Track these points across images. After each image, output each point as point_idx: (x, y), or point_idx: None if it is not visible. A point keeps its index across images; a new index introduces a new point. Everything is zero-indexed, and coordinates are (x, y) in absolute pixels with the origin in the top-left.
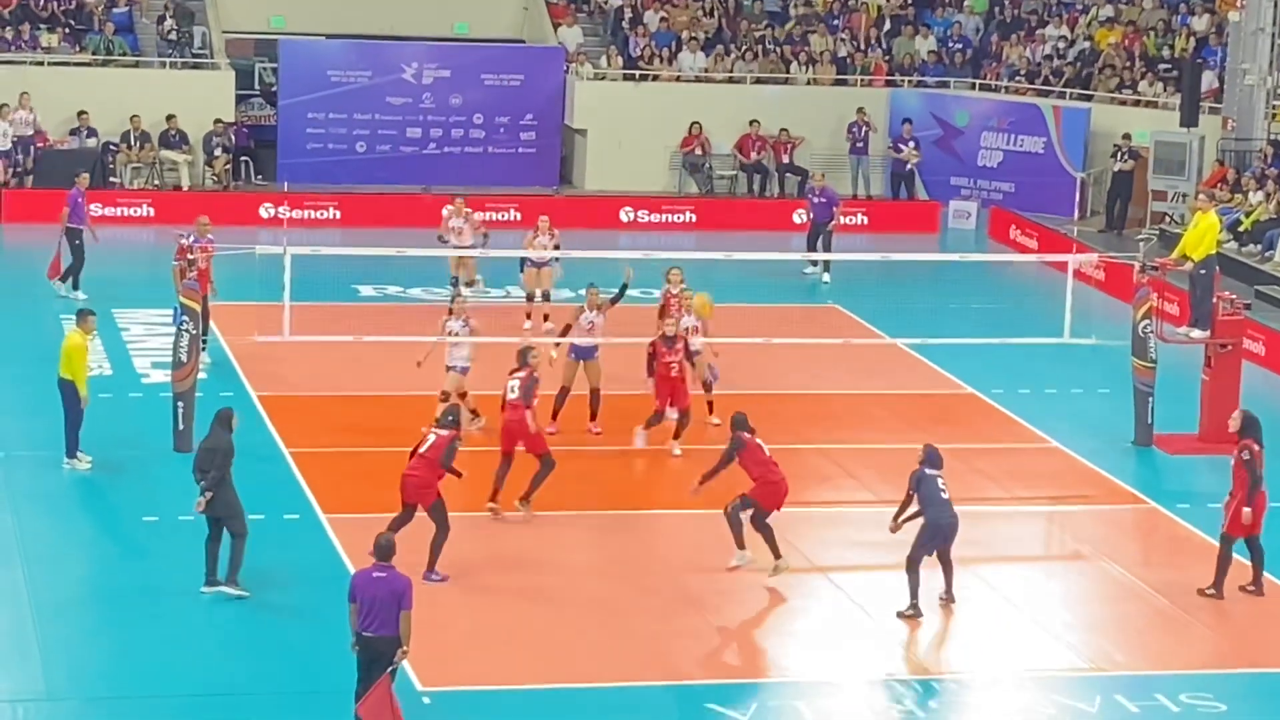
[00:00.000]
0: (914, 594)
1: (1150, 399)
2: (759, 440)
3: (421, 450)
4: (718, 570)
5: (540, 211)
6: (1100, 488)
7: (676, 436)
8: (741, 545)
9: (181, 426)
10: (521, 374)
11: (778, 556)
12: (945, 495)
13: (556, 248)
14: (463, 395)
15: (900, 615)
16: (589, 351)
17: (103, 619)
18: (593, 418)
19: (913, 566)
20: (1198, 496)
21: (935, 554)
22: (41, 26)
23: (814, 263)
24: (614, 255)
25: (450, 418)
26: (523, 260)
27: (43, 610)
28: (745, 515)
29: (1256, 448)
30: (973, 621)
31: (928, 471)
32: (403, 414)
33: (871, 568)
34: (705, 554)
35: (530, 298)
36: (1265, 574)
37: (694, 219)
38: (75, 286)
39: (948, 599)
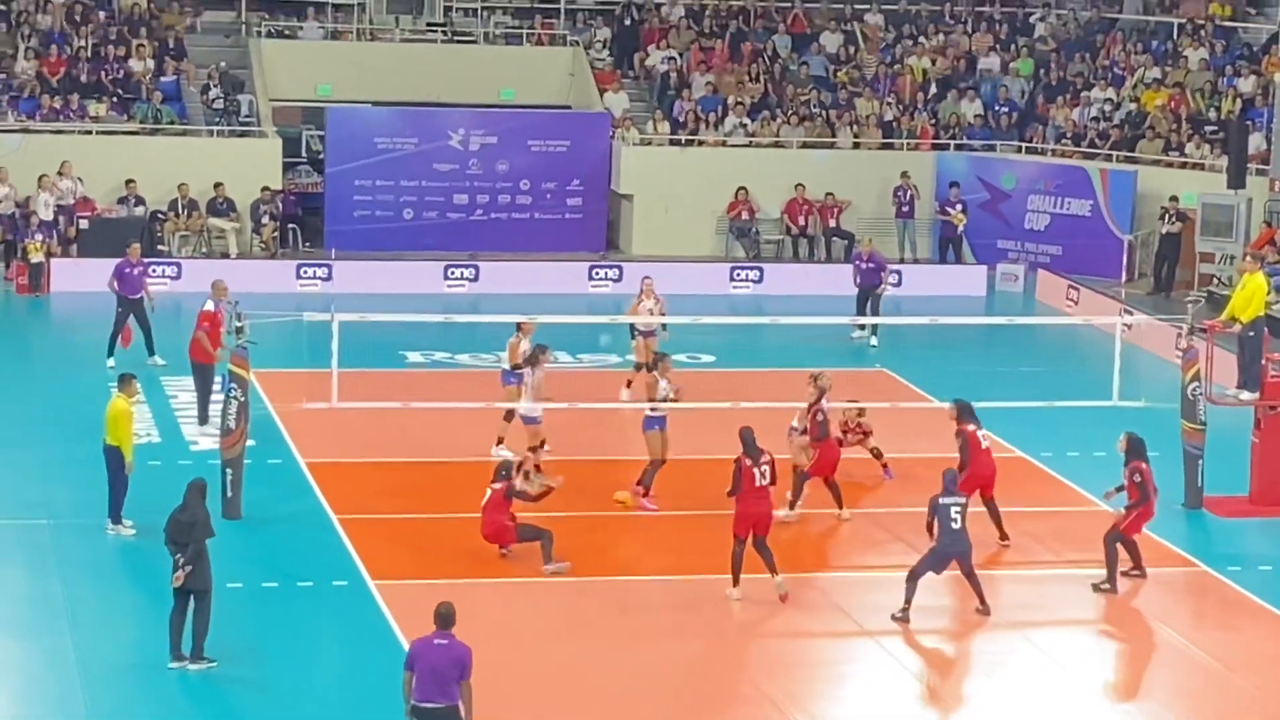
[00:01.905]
0: (908, 600)
1: (1200, 461)
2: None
3: (483, 506)
4: (769, 635)
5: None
6: (1151, 551)
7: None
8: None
9: (230, 494)
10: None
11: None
12: (957, 525)
13: (662, 312)
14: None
15: (892, 618)
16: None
17: (149, 686)
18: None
19: (912, 578)
20: (1249, 559)
21: (962, 573)
22: (90, 96)
23: (861, 326)
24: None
25: (502, 472)
26: (632, 327)
27: (90, 676)
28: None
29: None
30: (1022, 686)
31: (942, 500)
32: (451, 480)
33: (921, 632)
34: (755, 617)
35: (639, 367)
36: None
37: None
38: (110, 354)
39: (983, 610)
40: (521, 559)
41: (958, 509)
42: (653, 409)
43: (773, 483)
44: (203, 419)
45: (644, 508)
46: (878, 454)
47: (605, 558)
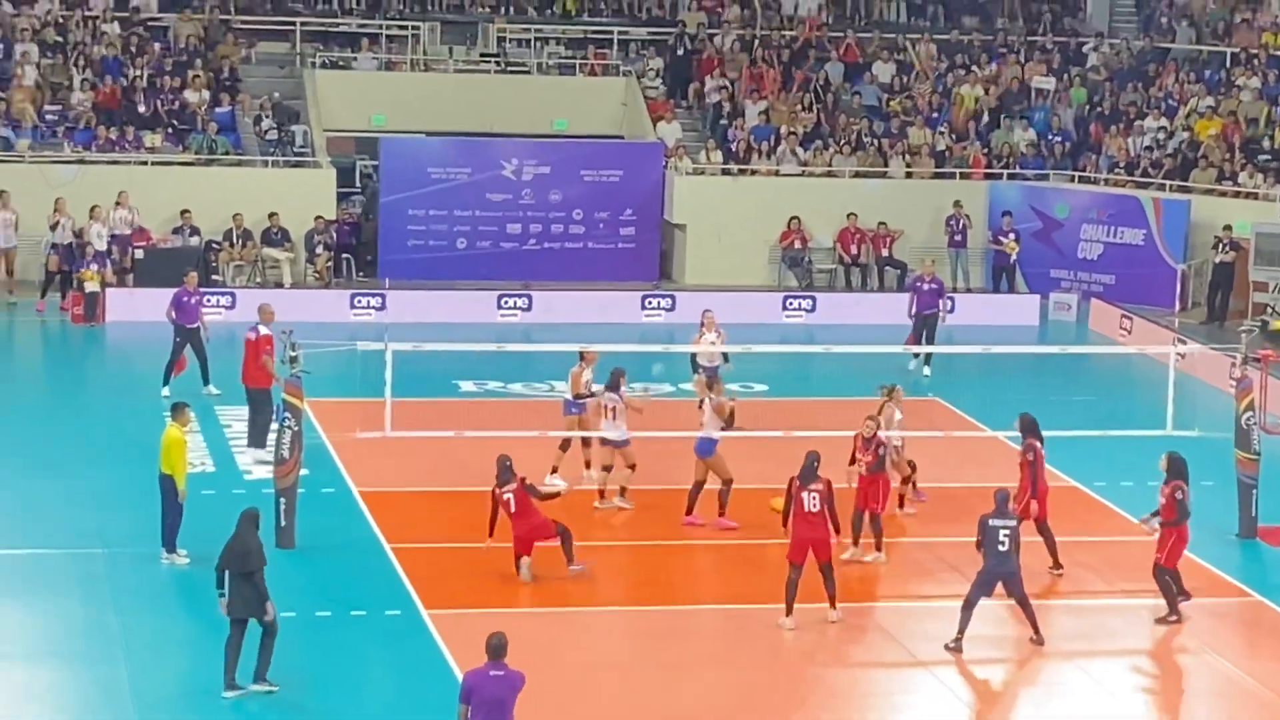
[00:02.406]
0: (961, 630)
1: (1254, 491)
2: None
3: (514, 513)
4: (822, 665)
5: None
6: (1204, 580)
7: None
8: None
9: (284, 523)
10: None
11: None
12: (1004, 547)
13: (723, 343)
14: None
15: (946, 647)
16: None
17: (203, 714)
18: (721, 511)
19: (967, 607)
20: None
21: (1014, 600)
22: (145, 127)
23: (920, 358)
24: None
25: (505, 475)
26: (693, 360)
27: (143, 705)
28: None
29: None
30: (1075, 716)
31: (990, 522)
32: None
33: (974, 662)
34: (808, 646)
35: (702, 404)
36: None
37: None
38: (166, 383)
39: (1037, 640)
40: (575, 586)
41: (1006, 531)
42: (709, 435)
43: (827, 511)
44: (256, 443)
45: (726, 526)
46: (909, 474)
47: (658, 586)
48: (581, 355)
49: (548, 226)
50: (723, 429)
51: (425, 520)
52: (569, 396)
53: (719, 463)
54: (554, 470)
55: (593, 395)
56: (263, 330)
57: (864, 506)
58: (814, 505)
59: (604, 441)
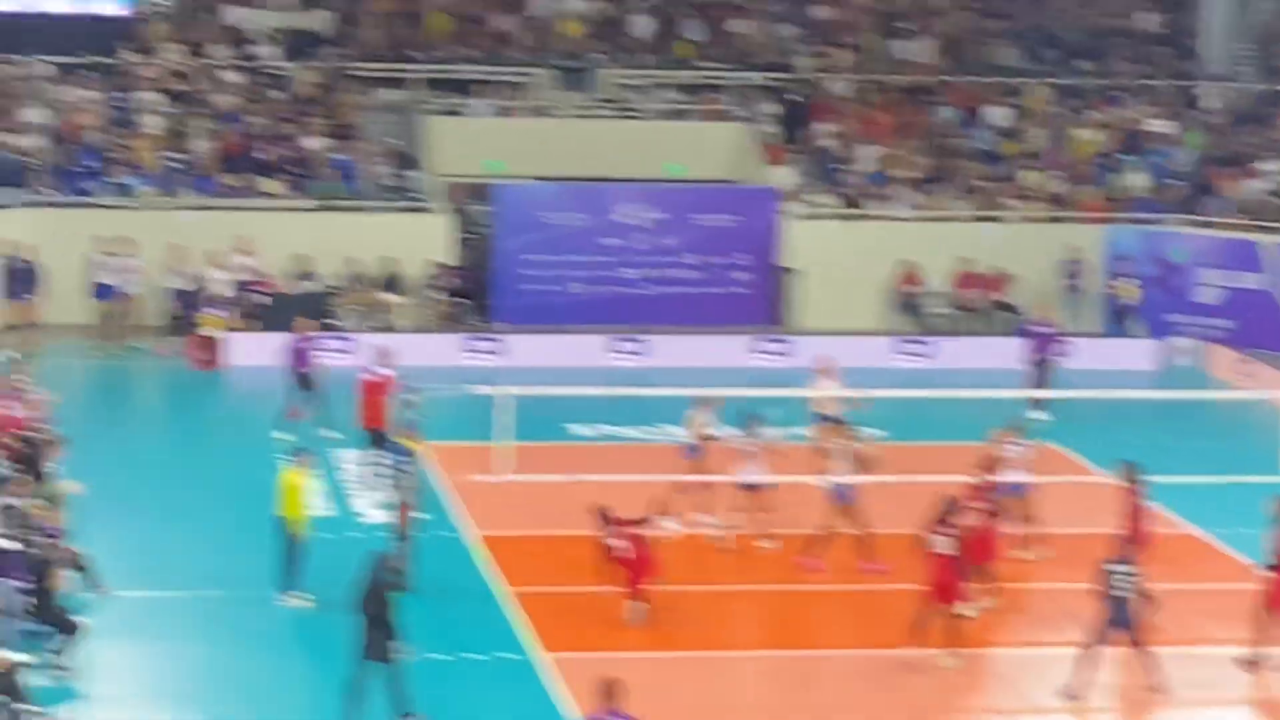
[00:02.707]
0: (1080, 678)
1: None
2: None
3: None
4: (941, 712)
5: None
6: None
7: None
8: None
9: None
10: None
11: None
12: (1119, 592)
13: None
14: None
15: (1063, 695)
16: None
17: None
18: (864, 556)
19: (1086, 654)
20: None
21: (1133, 648)
22: (265, 174)
23: (1035, 403)
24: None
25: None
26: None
27: None
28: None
29: None
30: None
31: (1107, 566)
32: None
33: (1093, 710)
34: (928, 692)
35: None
36: None
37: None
38: (284, 428)
39: (1155, 688)
40: (696, 630)
41: (1123, 576)
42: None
43: (962, 555)
44: (374, 487)
45: (877, 569)
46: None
47: (781, 630)
48: (699, 400)
49: (661, 271)
50: (856, 474)
51: (541, 563)
52: (689, 440)
53: (856, 510)
54: (669, 513)
55: (712, 439)
56: (382, 372)
57: (975, 559)
58: (944, 548)
59: (741, 485)
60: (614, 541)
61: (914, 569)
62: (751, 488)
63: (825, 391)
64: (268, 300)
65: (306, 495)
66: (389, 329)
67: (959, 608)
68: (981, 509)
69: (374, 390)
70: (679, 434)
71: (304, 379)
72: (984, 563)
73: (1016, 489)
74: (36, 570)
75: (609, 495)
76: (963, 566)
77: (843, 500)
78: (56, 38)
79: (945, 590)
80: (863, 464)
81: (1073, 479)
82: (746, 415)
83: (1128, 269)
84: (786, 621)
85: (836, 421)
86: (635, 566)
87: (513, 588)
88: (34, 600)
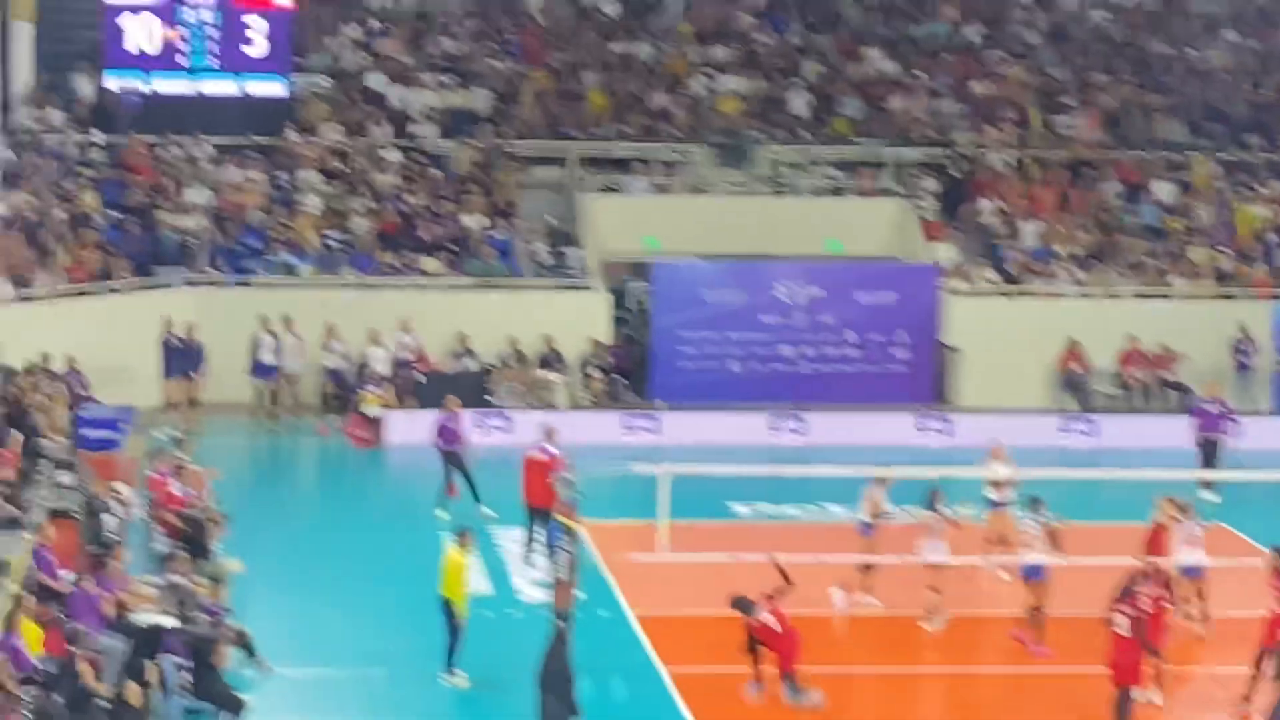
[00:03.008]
0: None
1: None
2: None
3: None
4: None
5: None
6: None
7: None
8: None
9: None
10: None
11: None
12: None
13: (1013, 479)
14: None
15: None
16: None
17: None
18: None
19: None
20: None
21: None
22: (424, 252)
23: (1207, 484)
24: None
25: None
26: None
27: None
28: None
29: None
30: None
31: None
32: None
33: None
34: None
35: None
36: None
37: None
38: (444, 506)
39: None
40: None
41: None
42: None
43: (1143, 636)
44: (534, 565)
45: (1043, 654)
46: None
47: (957, 711)
48: (876, 478)
49: (821, 349)
50: (1050, 553)
51: (702, 644)
52: (864, 519)
53: (1044, 588)
54: (849, 589)
55: (887, 517)
56: (548, 450)
57: (1151, 641)
58: (1124, 629)
59: (926, 564)
60: (764, 617)
61: (1080, 651)
62: (933, 565)
63: (996, 474)
64: (425, 378)
65: (468, 574)
66: (548, 407)
67: (1137, 692)
68: (1156, 590)
69: (538, 468)
70: (842, 513)
71: (453, 457)
72: (1158, 644)
73: (1193, 571)
74: (199, 648)
75: (768, 575)
76: (1142, 648)
77: (1036, 579)
78: (218, 119)
79: (1125, 672)
80: (1055, 543)
81: (1244, 561)
82: (929, 491)
83: None
84: (954, 705)
85: (1035, 500)
86: (783, 644)
87: (669, 667)
88: (196, 678)
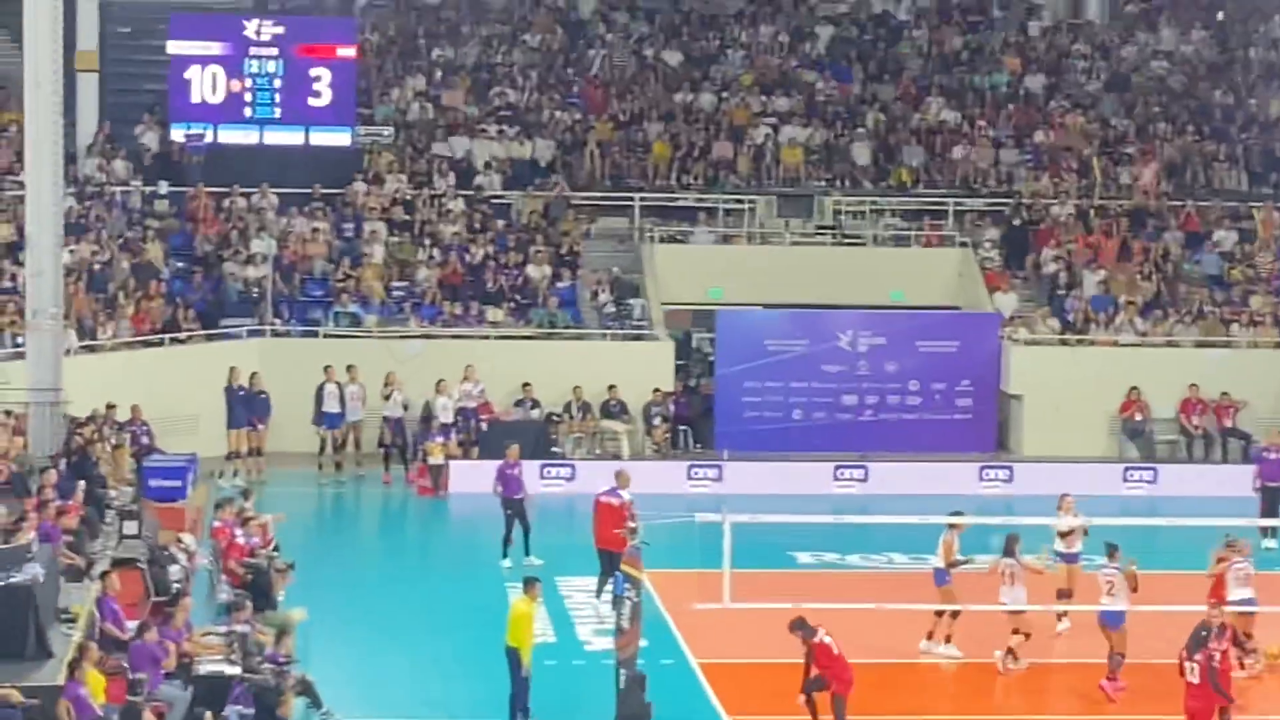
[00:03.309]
0: None
1: None
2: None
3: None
4: None
5: None
6: None
7: None
8: None
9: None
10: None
11: None
12: None
13: (1084, 531)
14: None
15: None
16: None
17: None
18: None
19: None
20: None
21: None
22: (489, 302)
23: (1268, 532)
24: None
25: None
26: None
27: None
28: None
29: None
30: None
31: None
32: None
33: None
34: None
35: (1060, 594)
36: None
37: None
38: (505, 554)
39: None
40: None
41: None
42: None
43: (1215, 683)
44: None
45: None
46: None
47: None
48: (951, 524)
49: (884, 397)
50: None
51: (766, 693)
52: (939, 566)
53: (1124, 634)
54: (932, 637)
55: (964, 564)
56: (624, 496)
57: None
58: (1194, 676)
59: (1007, 611)
60: (824, 639)
61: (1149, 698)
62: (1012, 611)
63: (1065, 525)
64: (488, 427)
65: (534, 624)
66: (612, 456)
67: None
68: (1223, 653)
69: (610, 513)
70: (905, 561)
71: (512, 504)
72: (1228, 690)
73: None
74: (263, 697)
75: (830, 623)
76: (1216, 695)
77: (1116, 626)
78: (283, 169)
79: (1196, 715)
80: (1134, 588)
81: None
82: (1007, 537)
83: None
84: None
85: (1112, 547)
86: (839, 666)
87: (730, 716)
88: None
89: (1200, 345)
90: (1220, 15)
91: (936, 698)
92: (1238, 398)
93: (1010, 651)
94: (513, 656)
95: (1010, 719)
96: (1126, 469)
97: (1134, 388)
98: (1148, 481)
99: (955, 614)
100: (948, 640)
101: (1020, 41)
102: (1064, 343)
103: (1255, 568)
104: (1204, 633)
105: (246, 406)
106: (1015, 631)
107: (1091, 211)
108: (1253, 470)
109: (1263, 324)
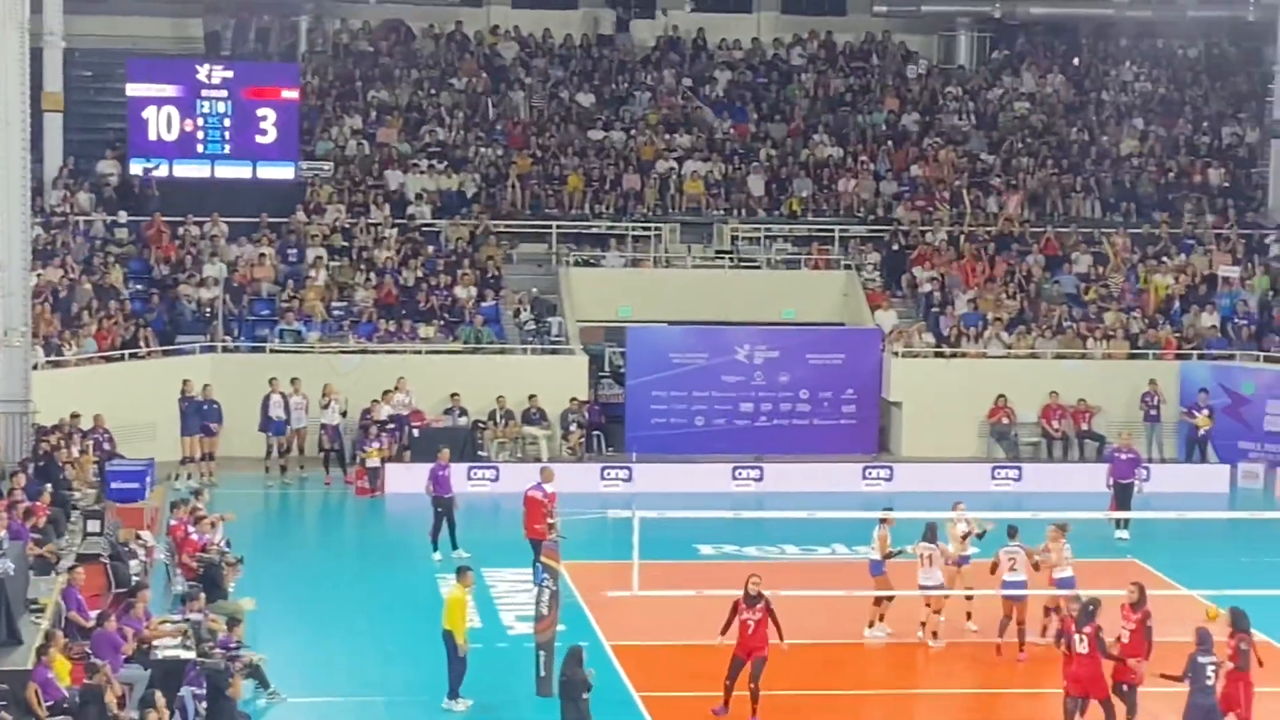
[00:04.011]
0: None
1: None
2: None
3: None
4: None
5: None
6: None
7: None
8: None
9: (543, 674)
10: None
11: None
12: (1210, 681)
13: (978, 532)
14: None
15: None
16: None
17: None
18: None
19: None
20: None
21: None
22: (420, 320)
23: (1120, 524)
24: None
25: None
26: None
27: None
28: None
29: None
30: None
31: (1199, 659)
32: None
33: None
34: None
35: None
36: None
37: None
38: (435, 548)
39: None
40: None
41: (1213, 667)
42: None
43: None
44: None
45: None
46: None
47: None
48: (882, 519)
49: (777, 405)
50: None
51: (671, 672)
52: (874, 557)
53: (1024, 606)
54: (871, 624)
55: (897, 554)
56: (548, 490)
57: (1121, 678)
58: (1083, 647)
59: (921, 587)
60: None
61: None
62: (928, 589)
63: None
64: (420, 433)
65: (467, 610)
66: (533, 459)
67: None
68: (1132, 630)
69: (535, 506)
70: (797, 552)
71: (442, 502)
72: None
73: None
74: (214, 680)
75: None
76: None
77: (1019, 599)
78: (232, 201)
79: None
80: (1033, 565)
81: (1154, 592)
82: (928, 526)
83: (1205, 401)
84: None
85: (1013, 529)
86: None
87: (639, 692)
88: (211, 707)
89: (1059, 357)
90: (1076, 60)
91: (856, 675)
92: (1093, 404)
93: (922, 624)
94: (448, 639)
95: (937, 692)
96: (994, 468)
97: (1001, 395)
98: (1013, 479)
99: (890, 599)
100: (881, 620)
101: (898, 84)
102: (938, 355)
103: (1105, 556)
104: (1091, 607)
105: (200, 416)
106: (936, 611)
107: (962, 237)
108: (1106, 469)
109: (1115, 338)
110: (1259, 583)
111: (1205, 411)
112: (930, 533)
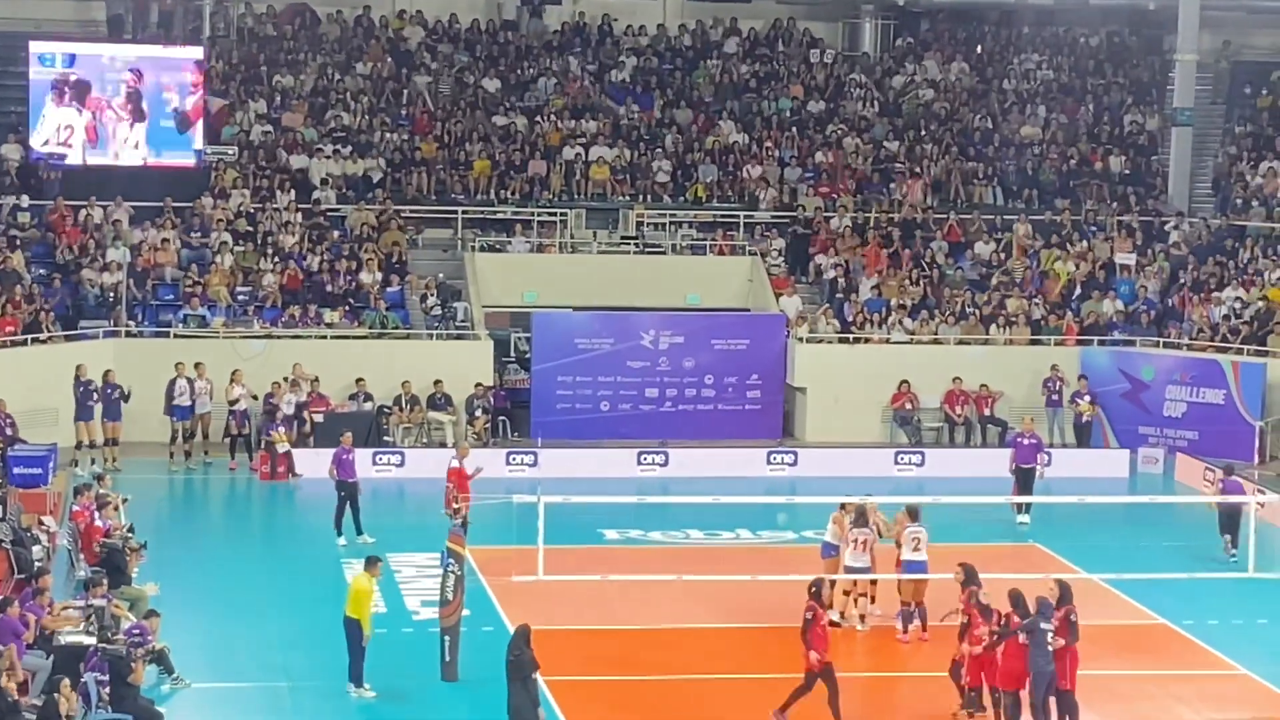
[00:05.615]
0: None
1: None
2: None
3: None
4: None
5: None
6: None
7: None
8: None
9: (448, 658)
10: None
11: None
12: (1052, 647)
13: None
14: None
15: None
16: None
17: None
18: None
19: (1043, 709)
20: None
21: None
22: (325, 305)
23: (1021, 509)
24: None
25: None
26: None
27: None
28: None
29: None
30: None
31: (1043, 625)
32: (645, 646)
33: None
34: None
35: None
36: None
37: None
38: (339, 533)
39: None
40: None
41: (1053, 633)
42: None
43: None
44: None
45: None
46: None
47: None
48: (841, 505)
49: (682, 390)
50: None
51: (577, 656)
52: (830, 541)
53: (924, 585)
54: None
55: (861, 524)
56: (454, 464)
57: (993, 682)
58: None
59: (848, 569)
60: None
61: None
62: (856, 571)
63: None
64: (327, 419)
65: (372, 599)
66: (439, 444)
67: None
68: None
69: (458, 476)
70: (701, 537)
71: (346, 486)
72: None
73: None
74: (117, 665)
75: (635, 593)
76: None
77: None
78: (136, 184)
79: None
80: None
81: (1054, 575)
82: (860, 509)
83: (1086, 389)
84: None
85: (916, 510)
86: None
87: (544, 676)
88: (114, 692)
89: (962, 343)
90: (979, 49)
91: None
92: (995, 389)
93: (844, 613)
94: (352, 627)
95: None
96: (897, 453)
97: (904, 381)
98: (916, 464)
99: (834, 583)
100: (872, 600)
101: (803, 71)
102: (842, 340)
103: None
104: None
105: (102, 401)
106: (863, 595)
107: (865, 223)
108: (1008, 454)
109: (1017, 324)
110: (1158, 566)
111: (1087, 399)
112: (863, 516)
